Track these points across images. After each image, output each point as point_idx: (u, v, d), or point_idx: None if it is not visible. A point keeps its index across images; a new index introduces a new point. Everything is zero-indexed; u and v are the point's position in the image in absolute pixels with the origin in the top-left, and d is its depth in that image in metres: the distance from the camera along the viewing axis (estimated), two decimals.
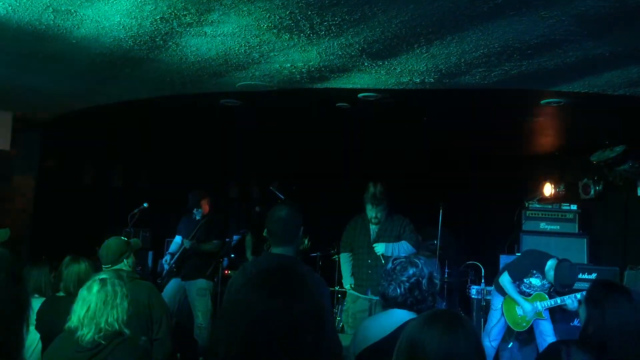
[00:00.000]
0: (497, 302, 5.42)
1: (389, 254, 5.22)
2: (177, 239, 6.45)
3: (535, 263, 5.24)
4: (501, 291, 5.36)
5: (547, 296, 5.19)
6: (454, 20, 3.27)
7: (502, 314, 5.33)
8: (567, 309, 5.18)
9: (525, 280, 5.26)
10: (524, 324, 5.22)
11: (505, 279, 5.26)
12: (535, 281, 5.23)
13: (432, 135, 7.03)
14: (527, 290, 5.26)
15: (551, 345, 2.82)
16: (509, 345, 5.53)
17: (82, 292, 2.89)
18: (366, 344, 2.61)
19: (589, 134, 6.39)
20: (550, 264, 5.07)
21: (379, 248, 5.33)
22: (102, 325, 2.79)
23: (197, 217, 6.34)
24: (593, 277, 5.92)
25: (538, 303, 5.18)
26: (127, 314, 2.92)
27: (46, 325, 3.49)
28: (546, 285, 5.20)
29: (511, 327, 5.31)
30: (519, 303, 5.20)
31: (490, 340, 5.32)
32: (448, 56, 3.88)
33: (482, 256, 6.65)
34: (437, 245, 6.25)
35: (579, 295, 4.93)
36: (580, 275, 5.64)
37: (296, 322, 1.44)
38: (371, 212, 5.39)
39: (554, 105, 5.00)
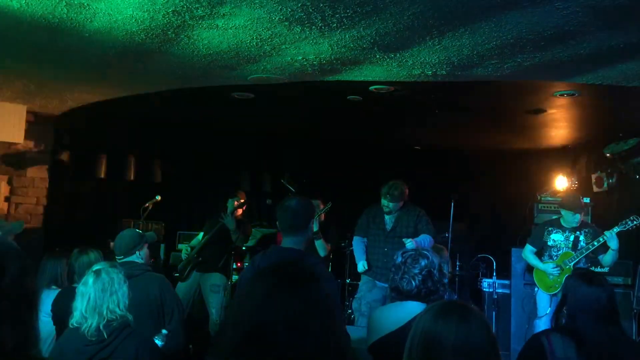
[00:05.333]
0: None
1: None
2: (200, 236, 6.36)
3: (547, 223, 5.52)
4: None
5: (572, 252, 5.27)
6: (467, 12, 3.25)
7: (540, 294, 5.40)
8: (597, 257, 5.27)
9: (548, 242, 5.38)
10: (557, 285, 5.27)
11: (526, 250, 5.48)
12: (556, 236, 5.36)
13: (444, 128, 7.00)
14: (555, 254, 5.36)
15: (533, 336, 2.88)
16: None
17: (80, 288, 2.94)
18: (379, 335, 2.62)
19: (602, 126, 6.33)
20: (562, 211, 5.33)
21: (410, 244, 5.35)
22: (105, 313, 2.83)
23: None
24: (606, 271, 5.88)
25: (566, 261, 5.26)
26: (128, 297, 2.95)
27: (61, 316, 3.53)
28: (571, 238, 5.30)
29: (545, 292, 5.37)
30: (537, 267, 5.37)
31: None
32: (460, 48, 3.85)
33: (494, 249, 6.63)
34: (448, 238, 6.25)
35: (601, 239, 5.08)
36: (592, 269, 5.61)
37: (301, 314, 1.43)
38: (384, 203, 5.47)
39: (567, 97, 4.96)
